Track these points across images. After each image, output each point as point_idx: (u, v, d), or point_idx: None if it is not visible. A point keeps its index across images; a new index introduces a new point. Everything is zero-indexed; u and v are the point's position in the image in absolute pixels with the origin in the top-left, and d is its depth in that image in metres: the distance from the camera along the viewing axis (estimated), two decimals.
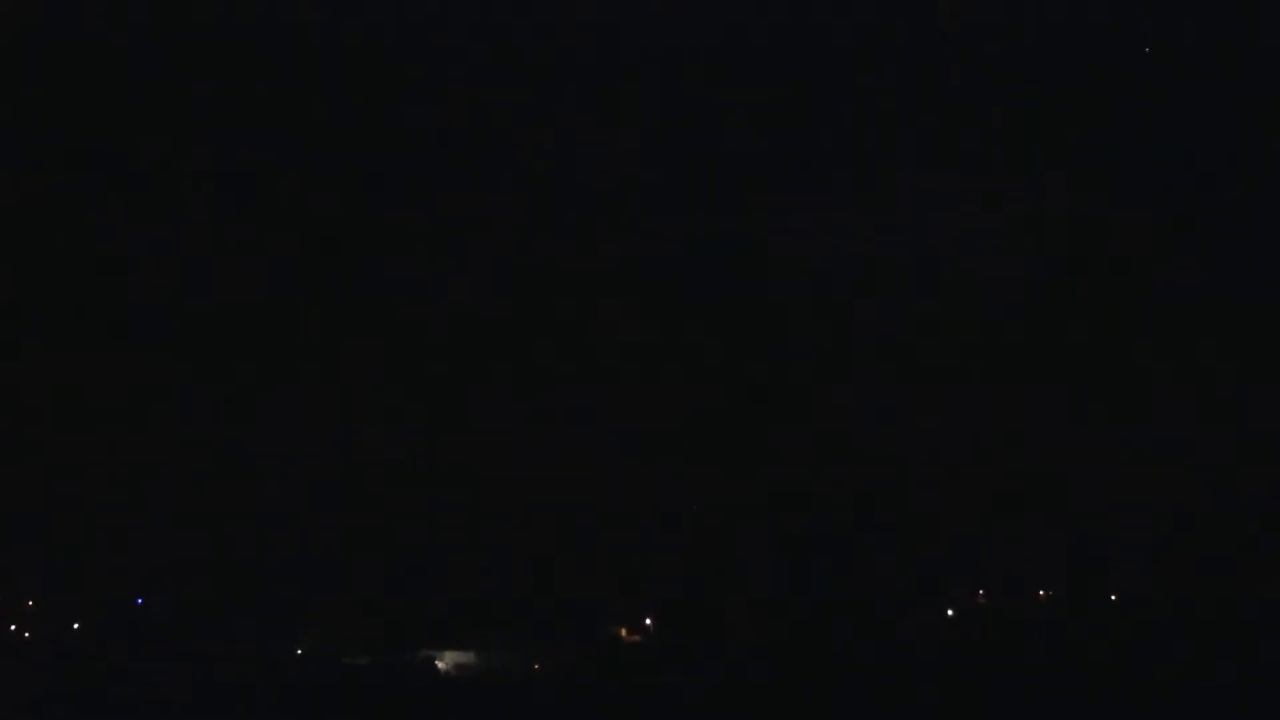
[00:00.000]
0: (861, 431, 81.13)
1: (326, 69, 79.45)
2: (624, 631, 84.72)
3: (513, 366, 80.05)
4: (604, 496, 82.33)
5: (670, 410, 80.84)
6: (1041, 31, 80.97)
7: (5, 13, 78.98)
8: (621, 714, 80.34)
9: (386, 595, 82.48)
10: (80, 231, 79.47)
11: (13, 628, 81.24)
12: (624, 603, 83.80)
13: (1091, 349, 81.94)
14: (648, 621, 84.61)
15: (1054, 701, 78.98)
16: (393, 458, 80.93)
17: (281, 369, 78.66)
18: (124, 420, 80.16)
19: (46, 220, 79.32)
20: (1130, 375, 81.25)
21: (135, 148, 79.43)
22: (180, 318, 78.64)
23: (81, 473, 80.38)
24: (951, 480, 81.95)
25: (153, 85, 79.82)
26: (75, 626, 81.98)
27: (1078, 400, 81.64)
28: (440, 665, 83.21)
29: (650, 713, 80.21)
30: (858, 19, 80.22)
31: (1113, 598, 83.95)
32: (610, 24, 78.89)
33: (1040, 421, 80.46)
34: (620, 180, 79.68)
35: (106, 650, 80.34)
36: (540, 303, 78.42)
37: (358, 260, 79.09)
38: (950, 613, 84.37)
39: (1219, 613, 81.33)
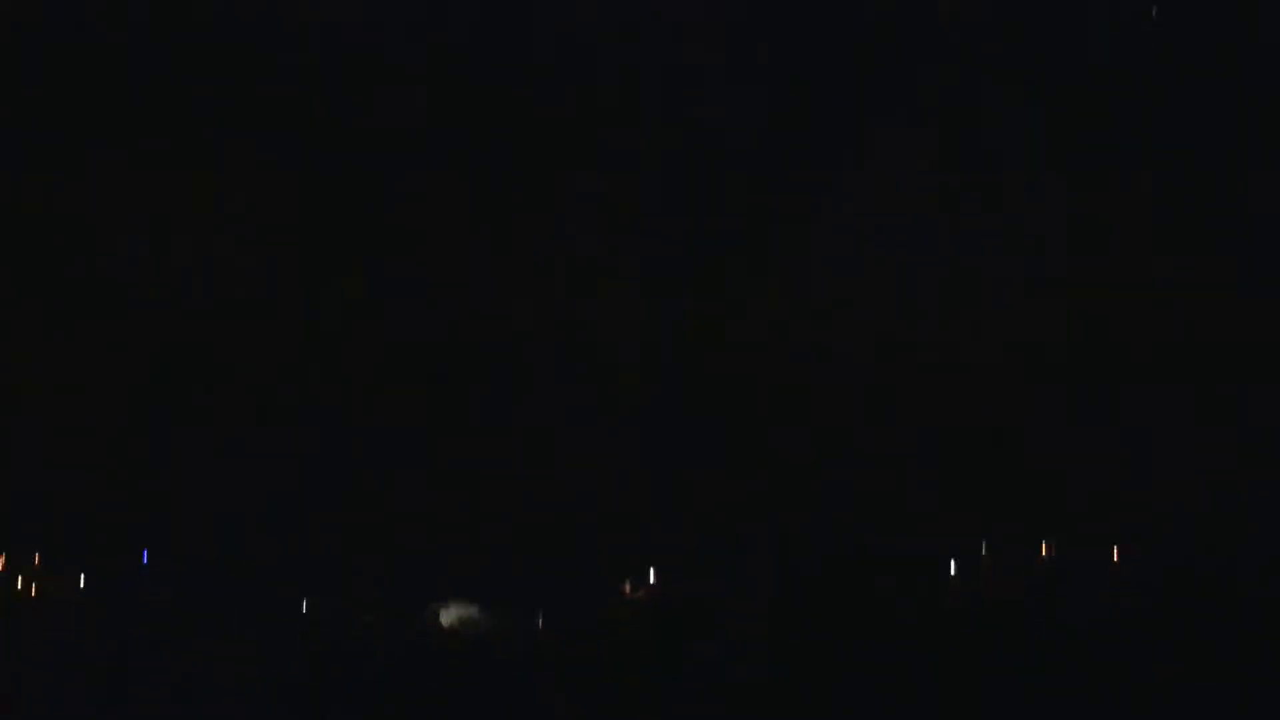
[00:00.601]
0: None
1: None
2: (628, 587, 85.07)
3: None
4: (607, 446, 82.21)
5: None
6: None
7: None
8: (625, 668, 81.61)
9: (389, 550, 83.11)
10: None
11: (18, 583, 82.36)
12: (629, 558, 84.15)
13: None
14: (651, 576, 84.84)
15: (1058, 661, 79.92)
16: (394, 412, 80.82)
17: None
18: (127, 367, 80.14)
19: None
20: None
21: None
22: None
23: (85, 422, 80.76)
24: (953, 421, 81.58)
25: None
26: (81, 582, 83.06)
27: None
28: (444, 620, 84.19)
29: (653, 667, 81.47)
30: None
31: (1115, 551, 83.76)
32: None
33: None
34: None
35: (111, 605, 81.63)
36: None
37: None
38: (953, 565, 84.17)
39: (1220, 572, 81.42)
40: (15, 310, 76.82)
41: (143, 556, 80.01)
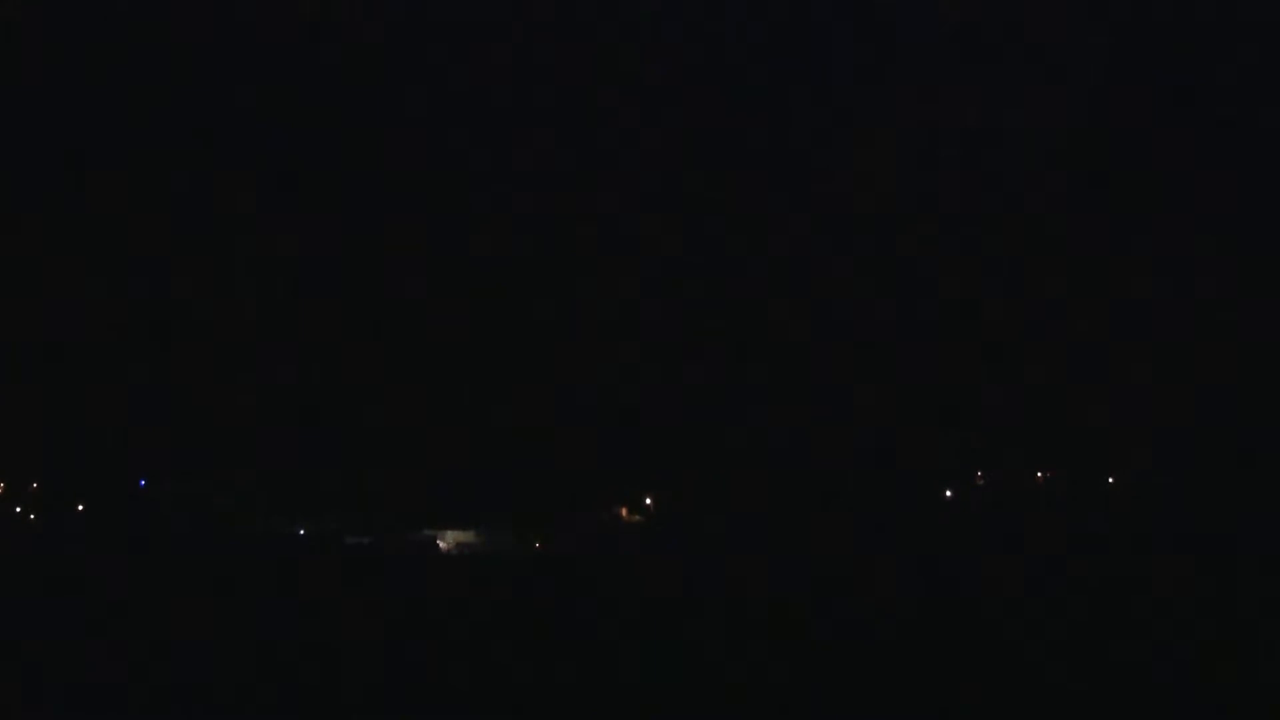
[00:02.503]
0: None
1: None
2: (625, 511, 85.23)
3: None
4: (606, 375, 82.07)
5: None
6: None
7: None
8: (621, 591, 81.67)
9: (388, 477, 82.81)
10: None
11: (17, 509, 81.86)
12: (625, 483, 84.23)
13: None
14: (648, 501, 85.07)
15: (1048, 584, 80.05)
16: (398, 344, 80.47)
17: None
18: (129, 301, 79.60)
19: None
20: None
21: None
22: None
23: (87, 357, 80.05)
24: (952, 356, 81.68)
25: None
26: (79, 508, 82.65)
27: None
28: (441, 545, 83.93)
29: (649, 590, 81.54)
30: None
31: (1110, 479, 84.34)
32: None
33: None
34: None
35: (109, 531, 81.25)
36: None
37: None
38: (949, 493, 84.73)
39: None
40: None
41: (140, 482, 79.35)
